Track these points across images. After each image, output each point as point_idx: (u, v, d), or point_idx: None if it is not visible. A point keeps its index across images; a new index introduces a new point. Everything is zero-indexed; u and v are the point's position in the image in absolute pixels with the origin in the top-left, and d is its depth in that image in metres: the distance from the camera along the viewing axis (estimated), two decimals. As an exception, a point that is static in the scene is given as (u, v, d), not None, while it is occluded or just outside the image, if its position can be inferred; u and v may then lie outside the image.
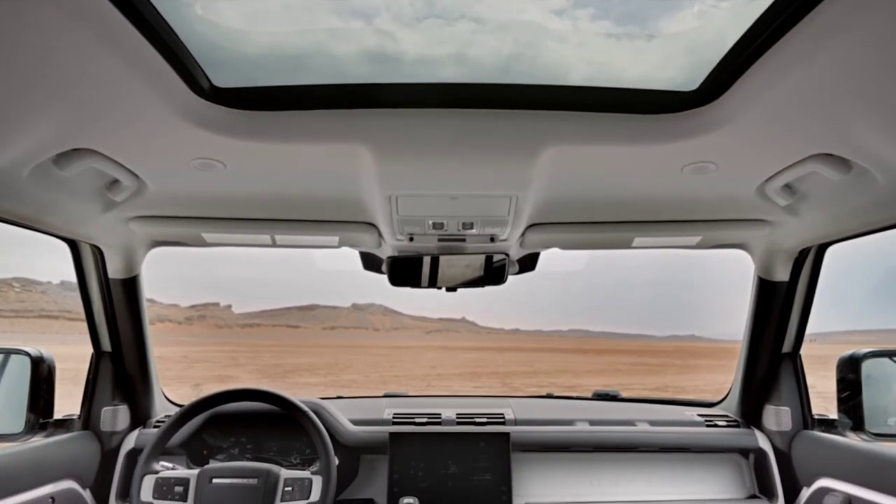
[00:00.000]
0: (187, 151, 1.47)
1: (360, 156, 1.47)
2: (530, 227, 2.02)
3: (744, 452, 2.48)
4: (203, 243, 2.19)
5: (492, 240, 2.06)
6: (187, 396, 2.28)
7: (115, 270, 2.23)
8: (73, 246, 2.18)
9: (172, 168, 1.58)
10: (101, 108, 1.25)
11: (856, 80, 1.11)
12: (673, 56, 1.28)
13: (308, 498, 1.96)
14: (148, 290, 2.43)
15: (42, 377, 2.11)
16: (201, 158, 1.51)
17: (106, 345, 2.37)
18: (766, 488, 2.39)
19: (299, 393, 2.29)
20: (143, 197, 1.78)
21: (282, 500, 1.95)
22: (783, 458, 2.37)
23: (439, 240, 2.06)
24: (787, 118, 1.28)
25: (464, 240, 2.07)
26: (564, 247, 2.22)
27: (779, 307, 2.30)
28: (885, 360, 2.17)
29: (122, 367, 2.41)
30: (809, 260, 2.22)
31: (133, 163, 1.56)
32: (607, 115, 1.37)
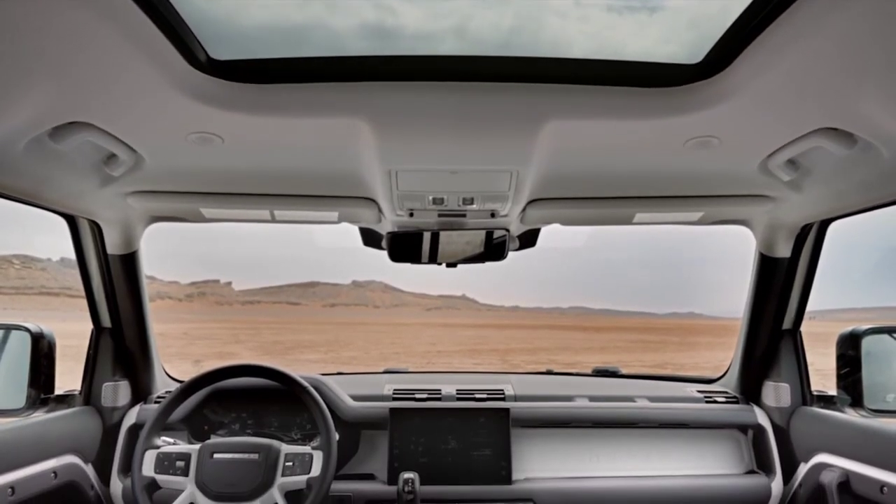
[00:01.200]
0: (184, 125, 1.46)
1: (359, 130, 1.45)
2: (531, 202, 2.01)
3: (742, 428, 2.49)
4: (202, 219, 2.18)
5: (492, 215, 2.05)
6: (188, 373, 2.29)
7: (113, 246, 2.23)
8: (71, 221, 2.17)
9: (170, 142, 1.57)
10: (97, 81, 1.24)
11: (862, 53, 1.10)
12: (676, 29, 1.27)
13: (309, 473, 1.97)
14: (148, 267, 2.43)
15: (42, 353, 2.12)
16: (199, 133, 1.49)
17: (106, 321, 2.38)
18: (763, 464, 2.40)
19: (300, 369, 2.30)
20: (140, 172, 1.77)
21: (283, 475, 1.96)
22: (781, 433, 2.38)
23: (439, 215, 2.05)
24: (791, 92, 1.27)
25: (464, 215, 2.06)
26: (565, 222, 2.21)
27: (780, 283, 2.30)
28: (885, 336, 2.17)
29: (122, 343, 2.41)
30: (811, 236, 2.21)
31: (130, 137, 1.55)
32: (609, 88, 1.35)
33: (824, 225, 2.17)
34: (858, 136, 1.42)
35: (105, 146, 1.56)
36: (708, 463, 2.45)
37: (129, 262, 2.29)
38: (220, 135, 1.51)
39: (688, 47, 1.28)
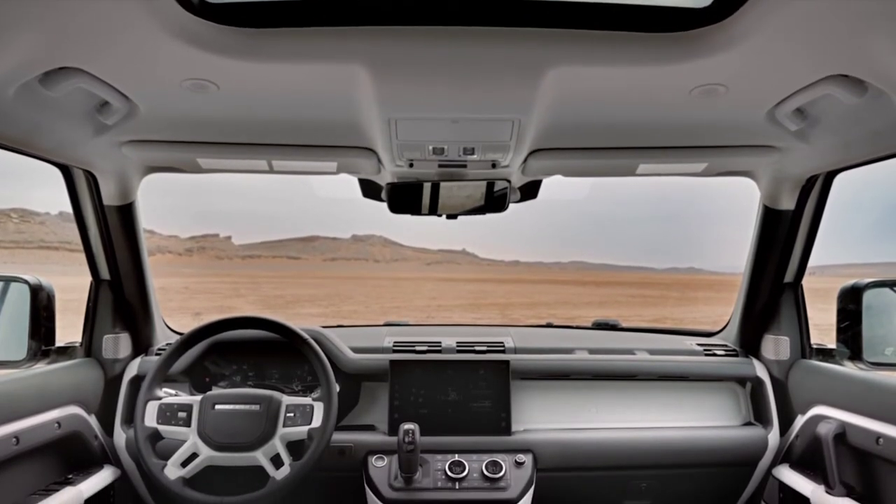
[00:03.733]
0: (178, 71, 1.42)
1: (357, 77, 1.42)
2: (533, 152, 1.98)
3: (741, 381, 2.51)
4: (198, 169, 2.15)
5: (493, 166, 2.02)
6: (189, 326, 2.29)
7: (109, 197, 2.20)
8: (66, 172, 2.14)
9: (163, 89, 1.53)
10: (87, 24, 1.20)
11: None
12: (682, -28, 1.22)
13: (310, 423, 1.99)
14: (146, 221, 2.41)
15: (42, 305, 2.11)
16: (193, 79, 1.45)
17: (104, 273, 2.37)
18: (761, 416, 2.43)
19: (301, 323, 2.30)
20: (135, 120, 1.73)
21: (284, 426, 1.97)
22: (780, 386, 2.40)
23: (440, 165, 2.02)
24: (802, 36, 1.23)
25: (465, 166, 2.03)
26: (567, 174, 2.18)
27: (783, 236, 2.28)
28: (887, 290, 2.16)
29: (121, 296, 2.41)
30: (817, 188, 2.18)
31: (122, 83, 1.51)
32: (614, 33, 1.31)
33: (830, 177, 2.14)
34: (869, 84, 1.39)
35: (97, 93, 1.52)
36: (706, 415, 2.47)
37: (127, 213, 2.26)
38: (215, 81, 1.47)
39: (694, -9, 1.24)
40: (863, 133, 1.65)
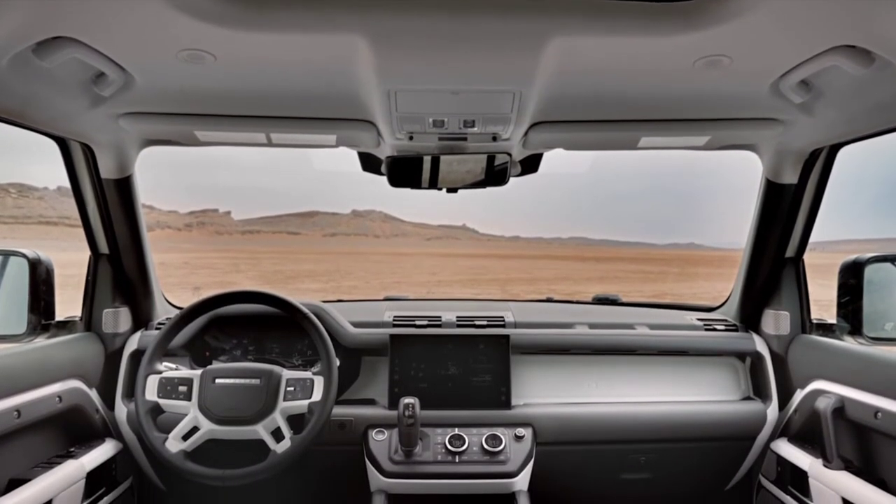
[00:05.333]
0: (173, 42, 1.39)
1: (357, 47, 1.39)
2: (534, 125, 1.96)
3: (741, 356, 2.52)
4: (196, 142, 2.13)
5: (494, 139, 2.01)
6: (189, 301, 2.28)
7: (107, 170, 2.18)
8: (63, 145, 2.12)
9: (159, 60, 1.51)
10: None
11: None
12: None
13: (310, 398, 1.99)
14: (145, 197, 2.39)
15: (41, 279, 2.10)
16: (189, 50, 1.43)
17: (103, 247, 2.36)
18: (760, 391, 2.44)
19: (301, 299, 2.29)
20: (131, 92, 1.71)
21: (284, 400, 1.98)
22: (779, 361, 2.40)
23: (440, 139, 2.00)
24: (808, 6, 1.20)
25: (465, 139, 2.01)
26: (568, 147, 2.16)
27: (785, 211, 2.27)
28: (888, 265, 2.16)
29: (120, 270, 2.40)
30: (820, 161, 2.16)
31: (117, 54, 1.48)
32: (617, 2, 1.28)
33: (833, 150, 2.12)
34: (876, 55, 1.36)
35: (92, 64, 1.50)
36: (705, 390, 2.48)
37: (124, 186, 2.25)
38: (212, 52, 1.44)
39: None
40: (868, 105, 1.63)
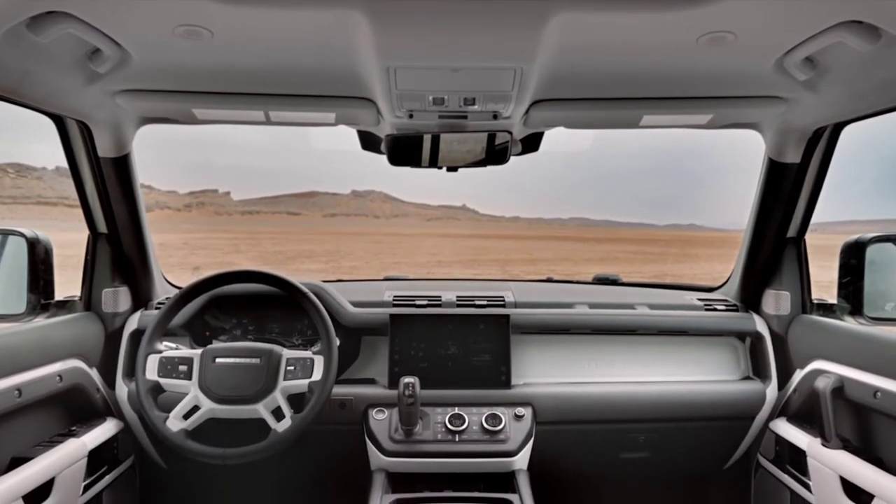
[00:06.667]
0: (170, 17, 1.37)
1: (356, 23, 1.37)
2: (535, 103, 1.94)
3: (741, 336, 2.52)
4: (194, 120, 2.11)
5: (494, 117, 1.99)
6: (188, 281, 2.28)
7: (104, 149, 2.17)
8: (60, 123, 2.11)
9: (156, 36, 1.49)
10: None
11: None
12: None
13: (310, 377, 2.00)
14: (144, 177, 2.37)
15: (39, 258, 2.10)
16: (185, 25, 1.41)
17: (102, 226, 2.35)
18: (760, 370, 2.44)
19: (301, 279, 2.29)
20: (127, 68, 1.69)
21: (284, 379, 1.99)
22: (779, 341, 2.40)
23: (440, 116, 1.99)
24: None
25: (465, 117, 1.99)
26: (570, 125, 2.15)
27: (787, 190, 2.26)
28: (890, 245, 2.15)
29: (119, 249, 2.40)
30: (823, 140, 2.15)
31: (112, 29, 1.46)
32: None
33: (837, 129, 2.11)
34: (883, 31, 1.34)
35: (88, 39, 1.48)
36: (705, 369, 2.49)
37: (122, 165, 2.23)
38: (209, 28, 1.42)
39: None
40: (873, 82, 1.61)
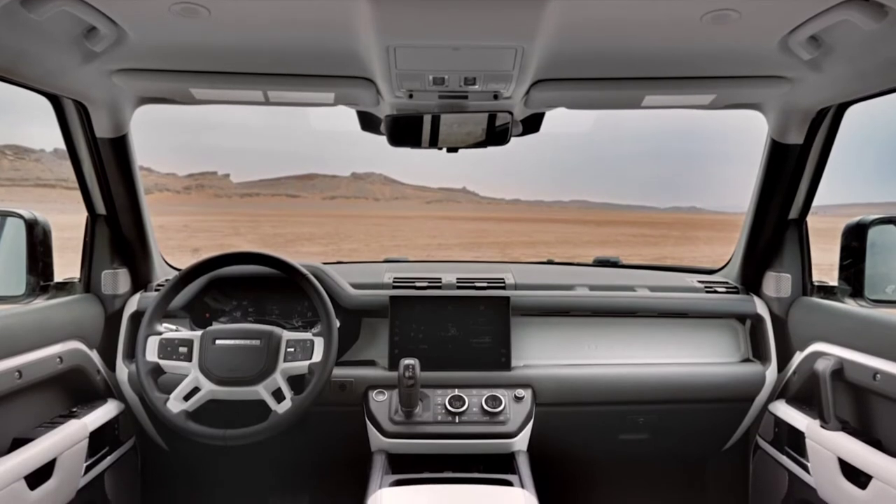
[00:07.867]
0: None
1: (355, 1, 1.36)
2: (536, 83, 1.92)
3: (741, 318, 2.52)
4: (192, 100, 2.09)
5: (495, 97, 1.97)
6: (188, 263, 2.28)
7: (101, 129, 2.15)
8: (56, 102, 2.09)
9: (152, 13, 1.47)
10: None
11: None
12: None
13: (310, 358, 2.00)
14: (143, 159, 2.36)
15: (38, 240, 2.09)
16: (182, 3, 1.39)
17: (100, 208, 2.34)
18: (759, 353, 2.44)
19: (301, 261, 2.28)
20: (124, 47, 1.67)
21: (284, 361, 1.99)
22: (780, 323, 2.40)
23: (440, 97, 1.97)
24: None
25: (466, 97, 1.98)
26: (571, 106, 2.13)
27: (790, 171, 2.24)
28: (891, 227, 2.14)
29: (118, 231, 2.38)
30: (827, 121, 2.13)
31: (108, 7, 1.44)
32: None
33: (841, 109, 2.09)
34: (889, 9, 1.32)
35: (84, 17, 1.46)
36: (705, 352, 2.49)
37: (120, 146, 2.22)
38: (206, 5, 1.40)
39: None
40: (879, 62, 1.60)
